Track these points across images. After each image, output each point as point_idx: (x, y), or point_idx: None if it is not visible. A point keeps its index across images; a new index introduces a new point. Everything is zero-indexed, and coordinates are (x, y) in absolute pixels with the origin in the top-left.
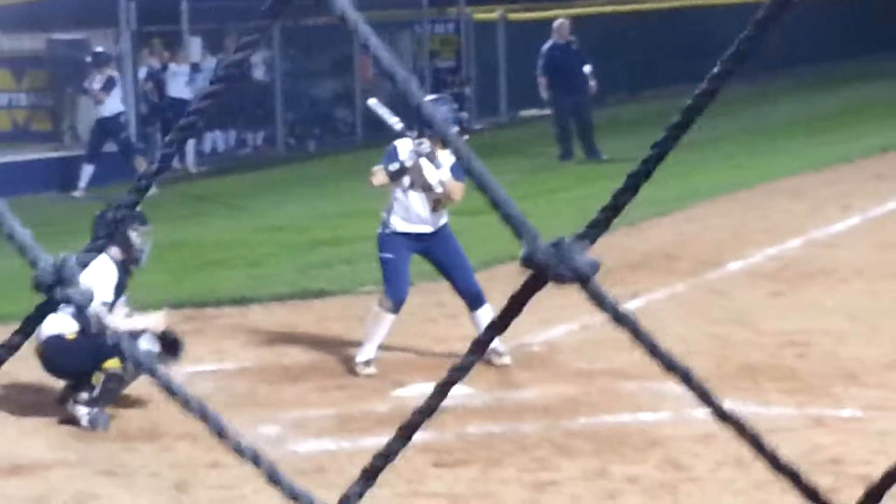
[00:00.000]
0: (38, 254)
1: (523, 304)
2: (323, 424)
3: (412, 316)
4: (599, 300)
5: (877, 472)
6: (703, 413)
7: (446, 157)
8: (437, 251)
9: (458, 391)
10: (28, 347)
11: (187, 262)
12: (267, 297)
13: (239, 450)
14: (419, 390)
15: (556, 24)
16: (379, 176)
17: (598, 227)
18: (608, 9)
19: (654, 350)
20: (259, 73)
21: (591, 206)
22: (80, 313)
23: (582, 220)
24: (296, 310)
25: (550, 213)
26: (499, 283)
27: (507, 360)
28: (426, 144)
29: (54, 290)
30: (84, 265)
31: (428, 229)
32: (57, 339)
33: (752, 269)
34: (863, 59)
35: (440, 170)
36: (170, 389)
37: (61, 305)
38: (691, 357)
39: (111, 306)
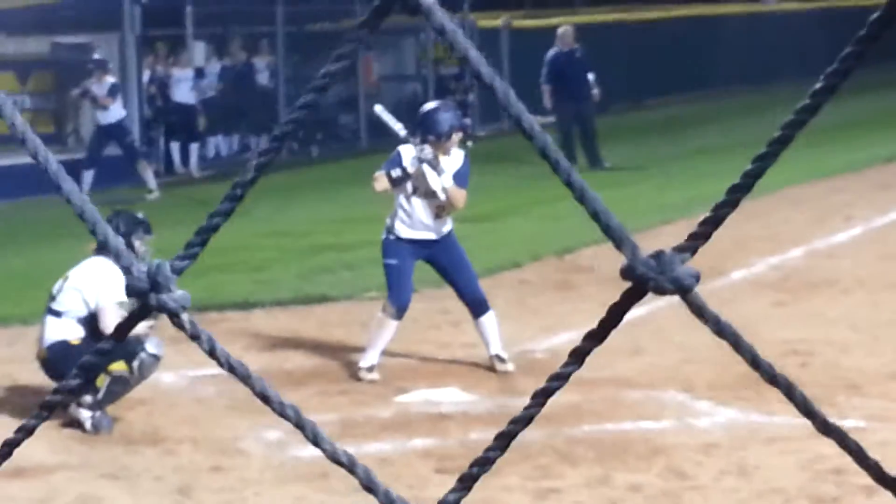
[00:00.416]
0: (132, 260)
1: (623, 314)
2: (325, 430)
3: (416, 322)
4: (700, 311)
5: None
6: (705, 422)
7: (449, 164)
8: (442, 258)
9: (461, 398)
10: (29, 350)
11: (190, 267)
12: (270, 301)
13: (336, 458)
14: (422, 396)
15: (559, 31)
16: (381, 181)
17: (698, 239)
18: (612, 17)
19: (755, 361)
20: (262, 79)
21: None
22: (176, 318)
23: (584, 227)
24: (298, 315)
25: (553, 220)
26: (503, 290)
27: (510, 366)
28: (428, 150)
29: (148, 296)
30: (179, 272)
31: (432, 236)
32: (61, 345)
33: (754, 279)
34: (878, 69)
35: (443, 176)
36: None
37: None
38: (694, 365)
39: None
